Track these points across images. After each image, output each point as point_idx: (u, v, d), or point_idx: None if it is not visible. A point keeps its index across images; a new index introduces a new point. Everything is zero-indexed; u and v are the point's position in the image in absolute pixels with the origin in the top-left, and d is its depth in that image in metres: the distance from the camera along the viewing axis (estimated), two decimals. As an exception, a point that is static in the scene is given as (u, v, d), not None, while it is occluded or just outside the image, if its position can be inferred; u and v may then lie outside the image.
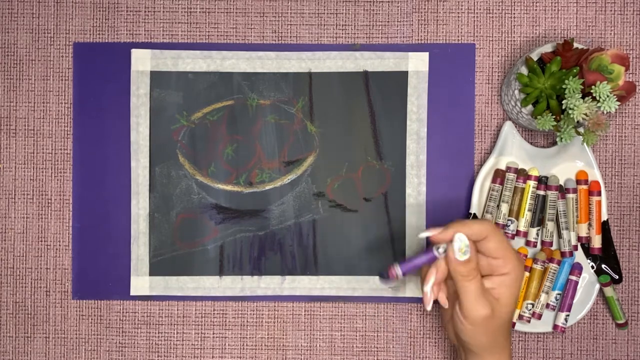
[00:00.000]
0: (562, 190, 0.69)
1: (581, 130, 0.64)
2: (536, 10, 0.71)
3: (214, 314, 0.72)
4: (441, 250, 0.60)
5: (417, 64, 0.71)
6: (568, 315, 0.69)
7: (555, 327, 0.69)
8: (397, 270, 0.61)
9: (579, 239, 0.69)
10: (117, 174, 0.71)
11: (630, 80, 0.71)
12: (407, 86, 0.71)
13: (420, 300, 0.71)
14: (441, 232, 0.60)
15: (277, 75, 0.71)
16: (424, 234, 0.61)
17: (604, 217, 0.69)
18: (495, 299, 0.60)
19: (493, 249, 0.60)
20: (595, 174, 0.69)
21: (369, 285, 0.71)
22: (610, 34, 0.71)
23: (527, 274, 0.69)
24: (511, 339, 0.63)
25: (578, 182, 0.69)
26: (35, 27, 0.72)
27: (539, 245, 0.70)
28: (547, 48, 0.66)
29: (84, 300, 0.72)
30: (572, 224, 0.69)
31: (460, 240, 0.59)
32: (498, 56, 0.71)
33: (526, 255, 0.69)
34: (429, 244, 0.65)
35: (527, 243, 0.69)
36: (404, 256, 0.71)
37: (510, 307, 0.61)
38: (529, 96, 0.65)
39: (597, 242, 0.69)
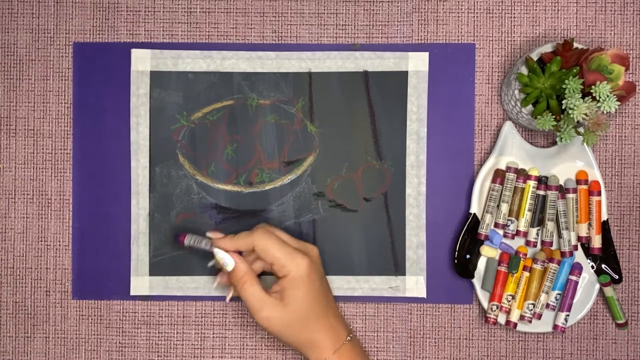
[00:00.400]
0: (562, 190, 0.69)
1: (581, 130, 0.64)
2: (536, 10, 0.71)
3: (214, 314, 0.72)
4: (216, 253, 0.65)
5: (417, 64, 0.71)
6: (568, 315, 0.69)
7: (555, 327, 0.69)
8: (187, 240, 0.67)
9: (579, 239, 0.69)
10: (117, 174, 0.71)
11: (630, 80, 0.71)
12: (407, 86, 0.71)
13: (420, 301, 0.71)
14: (218, 239, 0.65)
15: (277, 75, 0.71)
16: (209, 234, 0.66)
17: (604, 217, 0.69)
18: (284, 301, 0.63)
19: (263, 257, 0.64)
20: (595, 174, 0.69)
21: (369, 285, 0.71)
22: (610, 34, 0.71)
23: (527, 274, 0.69)
24: (337, 333, 0.65)
25: (578, 182, 0.69)
26: (35, 27, 0.72)
27: (539, 245, 0.70)
28: (547, 48, 0.66)
29: (84, 300, 0.72)
30: (572, 224, 0.69)
31: (217, 253, 0.65)
32: (498, 56, 0.71)
33: (526, 255, 0.69)
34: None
35: (527, 243, 0.69)
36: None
37: (301, 307, 0.63)
38: (529, 96, 0.65)
39: (597, 242, 0.69)
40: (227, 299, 0.67)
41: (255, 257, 0.66)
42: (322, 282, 0.65)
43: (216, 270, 0.69)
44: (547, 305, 0.69)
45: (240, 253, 0.65)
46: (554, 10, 0.71)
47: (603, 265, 0.69)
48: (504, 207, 0.69)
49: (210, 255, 0.66)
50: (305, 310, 0.63)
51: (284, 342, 0.65)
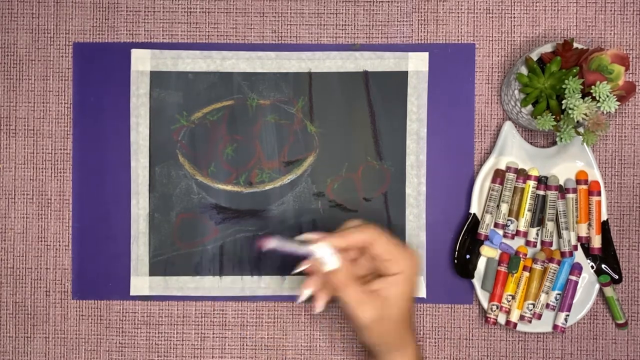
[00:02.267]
0: (562, 190, 0.69)
1: (581, 130, 0.64)
2: (536, 10, 0.71)
3: (214, 314, 0.72)
4: (315, 253, 0.60)
5: (417, 64, 0.71)
6: (568, 315, 0.69)
7: (555, 327, 0.69)
8: (271, 243, 0.60)
9: (579, 239, 0.69)
10: (117, 174, 0.71)
11: (630, 80, 0.71)
12: (407, 86, 0.71)
13: (420, 301, 0.71)
14: (323, 238, 0.60)
15: (277, 75, 0.71)
16: (304, 237, 0.61)
17: (604, 217, 0.69)
18: (383, 298, 0.60)
19: (380, 252, 0.60)
20: (595, 174, 0.69)
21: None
22: (610, 34, 0.71)
23: (527, 274, 0.69)
24: (415, 335, 0.63)
25: (578, 182, 0.69)
26: (35, 27, 0.72)
27: (538, 245, 0.70)
28: (547, 48, 0.66)
29: (84, 300, 0.72)
30: (572, 224, 0.69)
31: (320, 251, 0.60)
32: (498, 56, 0.71)
33: (526, 255, 0.69)
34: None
35: (527, 243, 0.69)
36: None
37: (402, 305, 0.60)
38: (529, 96, 0.65)
39: (597, 242, 0.69)
40: (322, 306, 0.62)
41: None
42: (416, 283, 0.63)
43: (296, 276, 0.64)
44: (547, 305, 0.69)
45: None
46: (554, 10, 0.71)
47: (603, 265, 0.69)
48: (504, 207, 0.69)
49: (294, 260, 0.61)
50: (407, 306, 0.61)
51: (378, 346, 0.61)
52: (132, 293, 0.71)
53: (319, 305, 0.62)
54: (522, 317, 0.69)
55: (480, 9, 0.71)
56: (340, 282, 0.60)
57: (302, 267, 0.62)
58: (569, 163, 0.69)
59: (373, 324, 0.60)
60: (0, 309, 0.72)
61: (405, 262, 0.60)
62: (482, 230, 0.69)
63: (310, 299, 0.62)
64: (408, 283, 0.61)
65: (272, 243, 0.60)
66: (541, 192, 0.69)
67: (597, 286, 0.69)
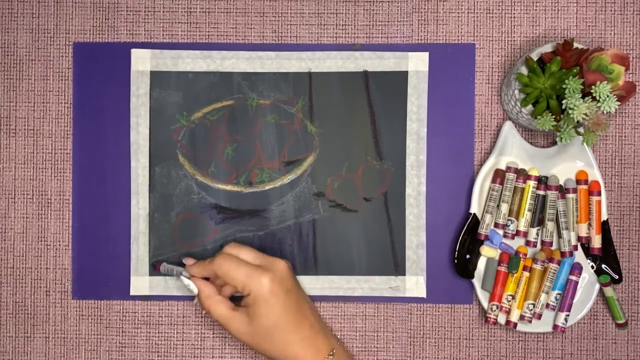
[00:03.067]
0: (562, 190, 0.69)
1: (581, 130, 0.64)
2: (536, 10, 0.71)
3: (214, 314, 0.72)
4: (183, 281, 0.68)
5: (417, 64, 0.71)
6: (568, 315, 0.69)
7: (555, 327, 0.69)
8: (162, 268, 0.70)
9: (579, 239, 0.69)
10: (117, 174, 0.71)
11: (630, 80, 0.71)
12: (407, 86, 0.71)
13: (420, 301, 0.71)
14: (190, 265, 0.68)
15: (277, 75, 0.71)
16: (184, 260, 0.69)
17: (604, 217, 0.69)
18: (248, 313, 0.65)
19: (227, 281, 0.65)
20: (595, 174, 0.69)
21: (369, 285, 0.71)
22: (610, 34, 0.71)
23: (527, 274, 0.69)
24: (309, 339, 0.65)
25: (578, 182, 0.69)
26: (35, 27, 0.72)
27: (538, 245, 0.70)
28: (547, 48, 0.66)
29: (84, 300, 0.72)
30: (572, 224, 0.69)
31: (182, 280, 0.68)
32: (498, 56, 0.71)
33: (526, 255, 0.69)
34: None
35: (527, 243, 0.69)
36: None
37: (266, 320, 0.64)
38: (529, 96, 0.65)
39: (597, 242, 0.69)
40: (195, 302, 0.71)
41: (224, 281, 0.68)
42: (290, 296, 0.65)
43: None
44: (547, 305, 0.69)
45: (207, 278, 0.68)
46: (554, 10, 0.71)
47: (603, 265, 0.69)
48: (504, 207, 0.69)
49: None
50: (271, 326, 0.64)
51: (264, 355, 0.66)
52: (132, 293, 0.71)
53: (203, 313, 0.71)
54: (522, 317, 0.69)
55: (480, 9, 0.71)
56: (204, 303, 0.66)
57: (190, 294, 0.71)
58: (569, 163, 0.69)
59: (247, 338, 0.65)
60: (0, 309, 0.72)
61: (250, 287, 0.64)
62: (482, 230, 0.69)
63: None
64: (263, 302, 0.64)
65: (162, 268, 0.70)
66: (541, 192, 0.69)
67: (597, 286, 0.69)
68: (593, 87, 0.62)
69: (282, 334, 0.64)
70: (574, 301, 0.69)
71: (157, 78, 0.71)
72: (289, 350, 0.64)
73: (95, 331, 0.72)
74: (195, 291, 0.67)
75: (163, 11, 0.72)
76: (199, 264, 0.67)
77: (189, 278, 0.67)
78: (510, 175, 0.69)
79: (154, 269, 0.71)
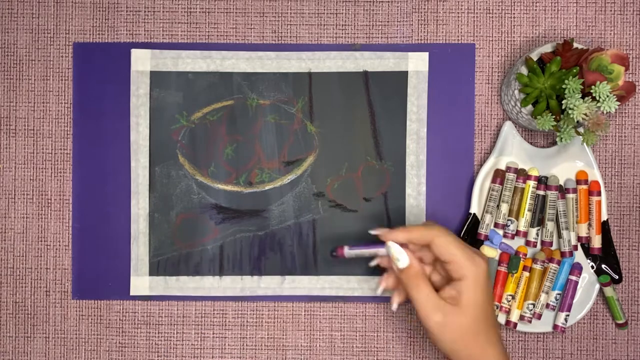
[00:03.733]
0: (562, 190, 0.69)
1: (581, 130, 0.64)
2: (536, 10, 0.71)
3: (214, 314, 0.72)
4: (389, 251, 0.61)
5: (417, 64, 0.71)
6: (568, 315, 0.69)
7: (555, 327, 0.69)
8: (346, 251, 0.64)
9: (579, 239, 0.69)
10: (117, 174, 0.71)
11: (630, 80, 0.71)
12: (407, 86, 0.71)
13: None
14: (388, 232, 0.61)
15: (277, 75, 0.71)
16: (373, 232, 0.63)
17: (604, 217, 0.69)
18: (453, 304, 0.59)
19: (440, 253, 0.60)
20: (595, 174, 0.69)
21: (369, 285, 0.71)
22: (610, 34, 0.71)
23: (526, 274, 0.69)
24: (499, 344, 0.60)
25: (578, 182, 0.69)
26: (35, 27, 0.72)
27: (538, 245, 0.70)
28: (547, 48, 0.66)
29: (84, 300, 0.72)
30: (572, 224, 0.69)
31: (391, 248, 0.60)
32: (498, 56, 0.71)
33: (526, 255, 0.69)
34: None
35: (527, 243, 0.69)
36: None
37: (473, 314, 0.58)
38: (529, 96, 0.65)
39: (597, 242, 0.69)
40: (395, 305, 0.62)
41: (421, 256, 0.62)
42: (492, 289, 0.61)
43: (375, 271, 0.65)
44: (547, 305, 0.69)
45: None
46: (554, 10, 0.71)
47: (603, 265, 0.69)
48: (504, 207, 0.69)
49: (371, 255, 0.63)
50: (482, 316, 0.58)
51: (450, 353, 0.59)
52: (132, 293, 0.71)
53: (394, 304, 0.62)
54: (522, 317, 0.69)
55: (480, 9, 0.71)
56: (410, 280, 0.60)
57: (374, 263, 0.64)
58: (569, 163, 0.69)
59: (441, 330, 0.58)
60: (0, 309, 0.72)
61: (469, 268, 0.59)
62: (482, 230, 0.69)
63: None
64: (479, 289, 0.59)
65: (347, 249, 0.64)
66: (541, 192, 0.69)
67: (597, 286, 0.69)
68: (593, 87, 0.62)
69: (486, 330, 0.58)
70: (574, 301, 0.69)
71: (157, 78, 0.71)
72: (488, 352, 0.59)
73: (95, 331, 0.72)
74: (404, 262, 0.59)
75: (163, 11, 0.72)
76: (408, 229, 0.60)
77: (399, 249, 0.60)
78: (510, 175, 0.69)
79: (334, 256, 0.64)
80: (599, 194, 0.69)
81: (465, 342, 0.59)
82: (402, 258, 0.60)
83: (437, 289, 0.61)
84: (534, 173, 0.69)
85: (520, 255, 0.69)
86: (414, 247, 0.62)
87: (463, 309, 0.59)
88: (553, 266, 0.69)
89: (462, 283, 0.59)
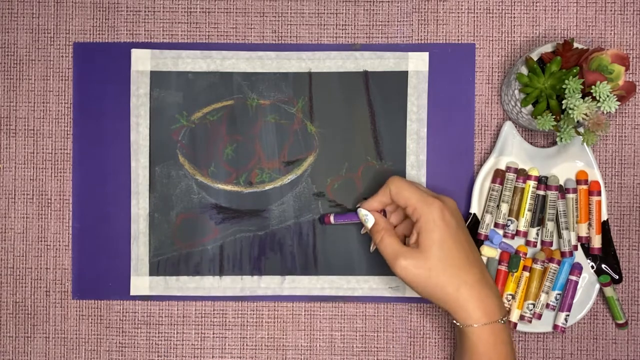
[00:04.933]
0: (562, 190, 0.69)
1: (581, 130, 0.64)
2: (536, 10, 0.71)
3: (214, 314, 0.72)
4: (359, 215, 0.67)
5: (417, 64, 0.71)
6: (568, 315, 0.69)
7: (555, 327, 0.69)
8: (332, 218, 0.70)
9: (579, 239, 0.69)
10: (117, 174, 0.71)
11: (630, 80, 0.71)
12: (407, 86, 0.71)
13: (420, 301, 0.71)
14: (363, 202, 0.67)
15: (277, 75, 0.71)
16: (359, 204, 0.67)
17: (604, 217, 0.69)
18: (418, 248, 0.62)
19: (397, 200, 0.64)
20: (595, 174, 0.69)
21: (369, 285, 0.71)
22: (610, 34, 0.71)
23: (527, 274, 0.69)
24: (477, 285, 0.61)
25: (578, 182, 0.69)
26: (35, 27, 0.72)
27: (539, 245, 0.70)
28: (547, 48, 0.66)
29: (84, 300, 0.72)
30: (572, 224, 0.69)
31: (360, 213, 0.66)
32: (498, 56, 0.71)
33: (526, 255, 0.69)
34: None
35: (527, 243, 0.69)
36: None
37: (437, 251, 0.61)
38: (529, 96, 0.65)
39: (597, 242, 0.69)
40: (371, 249, 0.68)
41: (392, 211, 0.67)
42: (463, 231, 0.62)
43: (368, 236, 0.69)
44: (547, 305, 0.69)
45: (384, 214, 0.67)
46: (554, 10, 0.71)
47: (603, 265, 0.69)
48: (504, 207, 0.69)
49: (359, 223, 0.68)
50: (443, 255, 0.61)
51: (428, 297, 0.62)
52: (132, 293, 0.71)
53: (372, 248, 0.68)
54: (522, 317, 0.69)
55: (480, 9, 0.71)
56: (376, 235, 0.64)
57: (363, 231, 0.68)
58: (569, 163, 0.69)
59: (408, 274, 0.61)
60: (0, 309, 0.72)
61: (421, 208, 0.62)
62: (482, 230, 0.69)
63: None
64: (435, 228, 0.61)
65: (332, 217, 0.69)
66: (541, 192, 0.69)
67: (597, 286, 0.69)
68: (593, 87, 0.62)
69: (454, 269, 0.60)
70: (574, 301, 0.69)
71: (157, 78, 0.71)
72: (462, 295, 0.60)
73: (95, 331, 0.72)
74: (371, 222, 0.65)
75: (163, 11, 0.72)
76: (373, 197, 0.65)
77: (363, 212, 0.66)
78: (510, 175, 0.69)
79: (322, 223, 0.71)
80: (599, 194, 0.69)
81: (435, 282, 0.61)
82: (369, 218, 0.65)
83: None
84: (534, 173, 0.69)
85: (521, 255, 0.69)
86: (391, 209, 0.67)
87: (423, 250, 0.61)
88: (553, 266, 0.69)
89: (418, 225, 0.62)
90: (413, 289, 0.63)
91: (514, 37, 0.71)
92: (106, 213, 0.71)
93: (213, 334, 0.72)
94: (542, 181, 0.69)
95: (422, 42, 0.71)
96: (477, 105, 0.71)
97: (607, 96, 0.62)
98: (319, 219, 0.71)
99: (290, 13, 0.72)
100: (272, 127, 0.71)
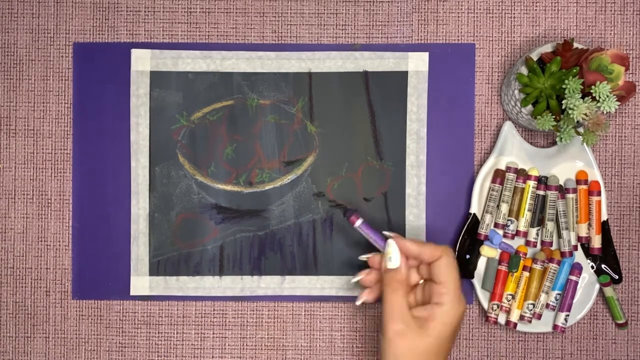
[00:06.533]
0: (562, 190, 0.69)
1: (581, 130, 0.64)
2: (536, 10, 0.71)
3: (214, 314, 0.72)
4: (388, 247, 0.62)
5: (417, 64, 0.71)
6: (568, 315, 0.69)
7: (555, 327, 0.69)
8: (359, 223, 0.65)
9: (579, 239, 0.69)
10: (117, 174, 0.71)
11: (630, 80, 0.71)
12: (407, 86, 0.71)
13: (420, 300, 0.71)
14: (400, 237, 0.62)
15: (277, 75, 0.71)
16: (387, 233, 0.63)
17: (604, 217, 0.69)
18: (420, 324, 0.58)
19: (438, 273, 0.59)
20: (595, 174, 0.69)
21: (369, 285, 0.71)
22: (610, 34, 0.71)
23: (526, 274, 0.69)
24: None
25: (578, 182, 0.69)
26: (35, 27, 0.72)
27: (538, 245, 0.70)
28: (547, 48, 0.66)
29: (84, 300, 0.72)
30: (572, 224, 0.69)
31: (389, 246, 0.61)
32: (498, 56, 0.71)
33: (526, 254, 0.69)
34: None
35: (527, 243, 0.69)
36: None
37: (434, 341, 0.58)
38: (529, 96, 0.65)
39: (597, 242, 0.69)
40: (359, 301, 0.63)
41: (412, 266, 0.62)
42: (454, 339, 0.61)
43: (361, 267, 0.66)
44: (547, 305, 0.69)
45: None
46: (554, 10, 0.71)
47: (603, 265, 0.69)
48: (504, 207, 0.69)
49: (370, 248, 0.64)
50: (435, 350, 0.58)
51: None
52: (132, 293, 0.71)
53: (360, 300, 0.63)
54: (522, 317, 0.69)
55: (480, 9, 0.71)
56: (392, 282, 0.60)
57: (365, 257, 0.64)
58: (569, 163, 0.69)
59: (394, 342, 0.58)
60: (0, 309, 0.72)
61: (452, 300, 0.59)
62: (482, 230, 0.69)
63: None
64: (446, 324, 0.58)
65: (359, 222, 0.64)
66: (541, 192, 0.69)
67: (597, 286, 0.69)
68: (593, 87, 0.62)
69: (435, 357, 0.58)
70: (574, 301, 0.69)
71: (157, 78, 0.71)
72: None
73: (95, 331, 0.72)
74: (395, 263, 0.60)
75: (163, 11, 0.72)
76: (413, 240, 0.61)
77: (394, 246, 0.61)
78: (510, 175, 0.69)
79: (345, 216, 0.67)
80: (599, 194, 0.69)
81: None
82: (395, 258, 0.61)
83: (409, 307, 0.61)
84: (534, 173, 0.69)
85: (521, 255, 0.69)
86: (411, 262, 0.63)
87: (424, 334, 0.58)
88: (553, 266, 0.69)
89: (438, 310, 0.59)
90: (382, 349, 0.59)
91: (514, 37, 0.71)
92: (106, 213, 0.71)
93: (213, 334, 0.72)
94: (542, 181, 0.69)
95: (422, 42, 0.71)
96: (477, 105, 0.71)
97: (607, 96, 0.62)
98: (344, 213, 0.68)
99: (290, 13, 0.72)
100: (272, 127, 0.71)
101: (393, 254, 0.61)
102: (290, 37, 0.72)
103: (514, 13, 0.71)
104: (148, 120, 0.71)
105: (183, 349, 0.72)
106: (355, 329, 0.72)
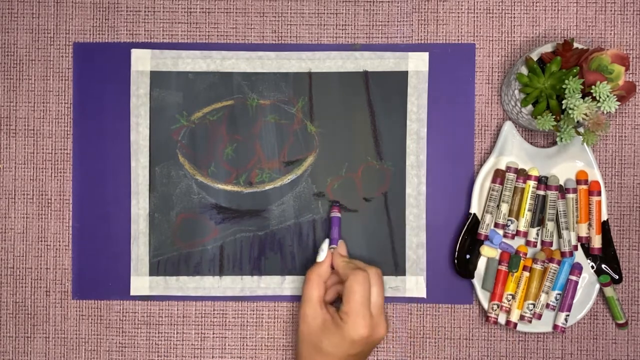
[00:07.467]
0: (562, 190, 0.69)
1: (581, 130, 0.64)
2: (536, 10, 0.71)
3: (214, 314, 0.72)
4: (322, 245, 0.68)
5: (417, 64, 0.71)
6: (568, 315, 0.69)
7: (555, 327, 0.69)
8: (334, 214, 0.70)
9: (579, 239, 0.69)
10: (117, 174, 0.71)
11: (630, 80, 0.71)
12: (407, 86, 0.71)
13: (420, 301, 0.71)
14: (338, 249, 0.68)
15: (277, 75, 0.71)
16: (340, 244, 0.69)
17: (604, 217, 0.69)
18: (336, 322, 0.63)
19: (343, 292, 0.64)
20: (595, 174, 0.69)
21: (369, 285, 0.71)
22: (610, 34, 0.71)
23: (527, 274, 0.69)
24: None
25: (578, 182, 0.69)
26: (35, 27, 0.72)
27: (539, 245, 0.70)
28: (547, 48, 0.66)
29: (84, 300, 0.72)
30: (572, 224, 0.69)
31: (323, 244, 0.67)
32: (498, 56, 0.71)
33: (526, 254, 0.69)
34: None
35: (527, 243, 0.69)
36: (400, 250, 0.71)
37: (328, 347, 0.63)
38: (529, 96, 0.65)
39: (597, 242, 0.69)
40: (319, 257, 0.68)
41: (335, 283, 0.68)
42: (361, 357, 0.65)
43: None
44: (547, 305, 0.69)
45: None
46: (554, 10, 0.71)
47: (603, 266, 0.69)
48: (504, 207, 0.69)
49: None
50: (335, 347, 0.63)
51: (297, 349, 0.65)
52: (132, 293, 0.71)
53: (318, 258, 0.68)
54: (522, 317, 0.69)
55: (480, 9, 0.71)
56: (312, 273, 0.65)
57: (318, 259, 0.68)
58: (569, 163, 0.69)
59: (300, 324, 0.64)
60: (0, 309, 0.72)
61: (355, 323, 0.62)
62: (482, 230, 0.69)
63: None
64: (348, 338, 0.62)
65: (335, 214, 0.70)
66: (541, 192, 0.69)
67: (597, 286, 0.69)
68: (593, 87, 0.62)
69: (322, 356, 0.64)
70: (574, 301, 0.69)
71: (157, 78, 0.71)
72: None
73: (95, 331, 0.72)
74: (320, 259, 0.66)
75: (163, 11, 0.72)
76: (345, 257, 0.67)
77: (328, 250, 0.67)
78: (510, 175, 0.69)
79: (330, 208, 0.71)
80: (599, 194, 0.69)
81: (304, 350, 0.64)
82: (321, 255, 0.67)
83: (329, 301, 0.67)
84: (534, 173, 0.69)
85: (521, 255, 0.69)
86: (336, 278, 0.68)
87: (340, 327, 0.63)
88: (553, 266, 0.69)
89: (341, 324, 0.63)
90: (299, 331, 0.65)
91: (514, 37, 0.71)
92: (106, 213, 0.71)
93: (213, 334, 0.72)
94: (542, 181, 0.69)
95: (422, 42, 0.71)
96: (477, 105, 0.71)
97: (607, 96, 0.62)
98: (331, 204, 0.71)
99: (290, 13, 0.72)
100: (272, 127, 0.71)
101: (322, 251, 0.67)
102: (290, 37, 0.72)
103: (514, 13, 0.71)
104: (148, 120, 0.71)
105: (183, 349, 0.72)
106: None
